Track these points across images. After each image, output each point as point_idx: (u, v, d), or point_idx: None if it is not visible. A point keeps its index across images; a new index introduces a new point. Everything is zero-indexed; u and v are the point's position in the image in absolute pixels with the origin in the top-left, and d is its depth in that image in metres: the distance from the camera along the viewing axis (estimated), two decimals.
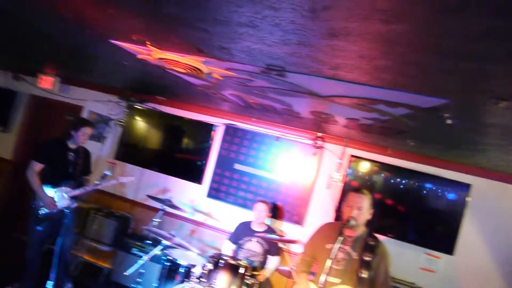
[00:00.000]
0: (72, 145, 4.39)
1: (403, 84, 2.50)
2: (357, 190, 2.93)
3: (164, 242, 4.00)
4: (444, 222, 4.57)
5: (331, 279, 2.76)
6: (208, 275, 3.67)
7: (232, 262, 3.70)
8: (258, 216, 4.48)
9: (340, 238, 2.65)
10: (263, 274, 4.19)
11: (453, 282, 4.49)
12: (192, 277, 3.73)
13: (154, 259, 4.44)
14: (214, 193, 5.49)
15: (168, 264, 4.42)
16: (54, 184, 4.21)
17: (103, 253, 5.28)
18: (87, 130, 4.37)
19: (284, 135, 5.27)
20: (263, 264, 4.41)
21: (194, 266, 3.93)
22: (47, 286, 3.77)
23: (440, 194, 4.62)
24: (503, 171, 4.29)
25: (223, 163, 5.50)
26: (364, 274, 2.69)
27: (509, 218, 4.36)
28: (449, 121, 2.94)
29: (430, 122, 3.15)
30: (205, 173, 5.56)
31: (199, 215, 5.45)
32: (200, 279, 3.68)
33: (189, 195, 5.58)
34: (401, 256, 4.58)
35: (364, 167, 4.92)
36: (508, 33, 1.58)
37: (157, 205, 4.64)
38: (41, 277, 4.08)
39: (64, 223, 3.96)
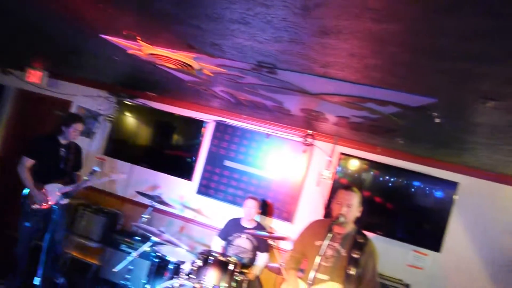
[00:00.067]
0: (63, 141, 4.36)
1: (393, 83, 2.52)
2: (347, 187, 2.95)
3: (153, 238, 3.99)
4: (432, 219, 4.64)
5: (320, 275, 2.78)
6: (197, 272, 3.67)
7: (222, 258, 3.71)
8: (248, 212, 4.48)
9: (330, 235, 2.66)
10: (253, 273, 4.20)
11: (439, 279, 4.55)
12: (181, 273, 3.73)
13: (143, 255, 4.42)
14: (204, 189, 5.48)
15: (157, 260, 4.41)
16: (46, 180, 4.18)
17: (91, 249, 5.24)
18: (79, 126, 4.35)
19: (274, 132, 5.27)
20: (252, 260, 4.42)
21: (183, 262, 3.93)
22: (34, 282, 3.74)
23: (428, 192, 4.67)
24: (490, 170, 4.36)
25: (213, 159, 5.49)
26: (352, 271, 2.71)
27: (495, 216, 4.43)
28: (437, 120, 2.97)
29: (419, 120, 3.19)
30: (195, 169, 5.55)
31: (189, 211, 5.44)
32: (189, 275, 3.68)
33: (178, 192, 5.56)
34: (389, 253, 4.63)
35: (354, 164, 4.96)
36: (497, 33, 1.61)
37: (147, 201, 4.62)
38: (30, 273, 4.05)
39: (52, 219, 3.92)
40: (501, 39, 1.64)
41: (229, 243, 4.48)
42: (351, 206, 2.85)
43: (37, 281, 3.74)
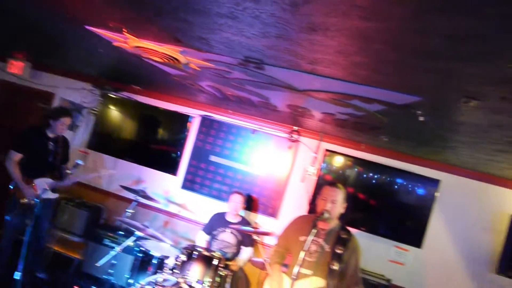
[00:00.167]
0: (51, 134, 4.31)
1: (378, 80, 2.55)
2: (332, 184, 2.98)
3: (137, 233, 3.96)
4: (414, 216, 4.71)
5: (304, 270, 2.80)
6: (181, 267, 3.66)
7: (206, 253, 3.71)
8: (233, 207, 4.49)
9: (314, 231, 2.69)
10: (236, 264, 4.21)
11: (420, 274, 4.64)
12: (165, 268, 3.71)
13: (127, 250, 4.39)
14: (189, 184, 5.46)
15: (141, 255, 4.39)
16: (35, 174, 4.15)
17: (73, 244, 5.18)
18: (66, 120, 4.32)
19: (260, 128, 5.28)
20: (236, 255, 4.43)
21: (167, 257, 3.91)
22: (15, 277, 3.68)
23: (410, 189, 4.75)
24: (471, 168, 4.45)
25: (199, 154, 5.47)
26: (335, 266, 2.74)
27: (475, 214, 4.53)
28: (421, 118, 3.02)
29: (404, 118, 3.23)
30: (180, 164, 5.52)
31: (173, 206, 5.42)
32: (173, 270, 3.67)
33: (163, 186, 5.53)
34: (372, 248, 4.69)
35: (338, 161, 5.00)
36: (481, 34, 1.64)
37: (131, 195, 4.59)
38: (10, 268, 3.99)
39: (35, 213, 3.87)
40: (485, 39, 1.67)
41: (213, 237, 4.48)
42: (336, 202, 2.87)
43: (17, 275, 3.68)
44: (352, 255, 2.84)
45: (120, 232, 4.75)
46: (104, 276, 4.34)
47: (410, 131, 3.70)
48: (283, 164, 5.17)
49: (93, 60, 4.71)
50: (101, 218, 5.50)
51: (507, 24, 1.51)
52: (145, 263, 4.39)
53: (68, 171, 4.28)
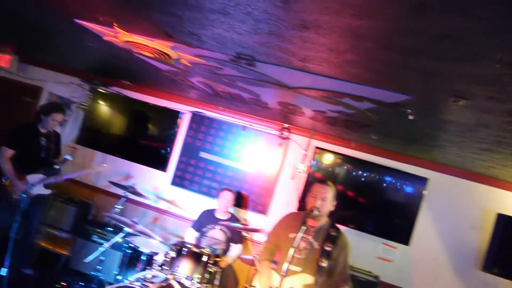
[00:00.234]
0: (43, 130, 4.27)
1: (369, 79, 2.56)
2: (322, 181, 2.99)
3: (126, 229, 3.93)
4: (402, 214, 4.76)
5: (293, 267, 2.82)
6: (170, 263, 3.65)
7: (195, 250, 3.70)
8: (223, 204, 4.48)
9: (303, 228, 2.69)
10: (225, 260, 4.21)
11: (408, 271, 4.70)
12: (154, 265, 3.69)
13: (115, 246, 4.36)
14: (179, 181, 5.44)
15: (130, 251, 4.36)
16: (27, 170, 4.12)
17: (61, 240, 5.13)
18: (58, 117, 4.29)
19: (251, 125, 5.28)
20: (225, 252, 4.43)
21: (156, 253, 3.89)
22: (1, 273, 3.63)
23: (398, 187, 4.79)
24: (459, 166, 4.51)
25: (189, 151, 5.45)
26: (324, 263, 2.76)
27: (462, 212, 4.60)
28: (411, 117, 3.05)
29: (393, 117, 3.26)
30: (170, 160, 5.50)
31: (163, 202, 5.40)
32: (163, 267, 3.65)
33: (153, 183, 5.50)
34: (360, 245, 4.73)
35: (328, 159, 5.02)
36: (469, 34, 1.65)
37: (120, 191, 4.55)
38: None
39: (22, 209, 3.82)
40: (473, 40, 1.69)
41: (202, 234, 4.47)
42: (326, 200, 2.89)
43: (3, 271, 3.64)
44: (341, 253, 2.86)
45: (109, 228, 4.72)
46: (92, 273, 4.30)
47: (400, 129, 3.73)
48: (273, 161, 5.17)
49: (83, 54, 4.65)
50: (89, 214, 5.45)
51: (496, 25, 1.53)
52: (134, 259, 4.36)
53: (56, 166, 4.23)
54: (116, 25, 2.90)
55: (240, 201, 5.13)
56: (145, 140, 5.73)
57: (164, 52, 3.23)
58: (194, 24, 2.44)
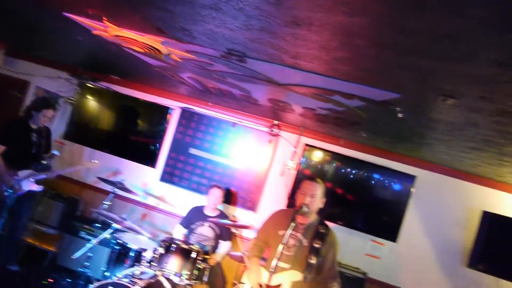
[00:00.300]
0: (34, 126, 4.24)
1: (359, 76, 2.58)
2: (312, 178, 3.00)
3: (114, 225, 3.90)
4: (390, 211, 4.81)
5: (282, 264, 2.82)
6: (159, 259, 3.63)
7: (184, 246, 3.69)
8: (212, 201, 4.47)
9: (292, 225, 2.70)
10: (214, 258, 4.21)
11: (395, 267, 4.75)
12: (142, 261, 3.68)
13: (103, 242, 4.32)
14: (168, 177, 5.41)
15: (118, 248, 4.32)
16: (18, 166, 4.07)
17: (48, 236, 5.07)
18: (49, 113, 4.26)
19: (240, 121, 5.27)
20: (214, 248, 4.43)
21: (145, 250, 3.87)
22: None
23: (387, 184, 4.84)
24: (446, 164, 4.56)
25: (178, 147, 5.42)
26: (313, 260, 2.77)
27: (449, 209, 4.66)
28: (400, 115, 3.07)
29: (383, 115, 3.28)
30: (159, 156, 5.47)
31: (152, 199, 5.36)
32: (151, 263, 3.64)
33: (142, 179, 5.46)
34: (348, 242, 4.76)
35: (317, 156, 5.04)
36: (459, 34, 1.67)
37: (108, 187, 4.51)
38: None
39: (8, 205, 3.77)
40: (463, 39, 1.71)
41: (191, 231, 4.46)
42: (315, 197, 2.90)
43: None
44: (330, 250, 2.87)
45: (97, 225, 4.68)
46: (79, 269, 4.26)
47: (389, 127, 3.76)
48: (262, 158, 5.18)
49: (71, 48, 4.59)
50: (77, 210, 5.40)
51: (486, 25, 1.54)
52: (122, 255, 4.33)
53: (44, 162, 4.19)
54: (106, 19, 2.86)
55: (230, 197, 5.13)
56: (134, 136, 5.69)
57: (154, 47, 3.20)
58: (186, 19, 2.42)
